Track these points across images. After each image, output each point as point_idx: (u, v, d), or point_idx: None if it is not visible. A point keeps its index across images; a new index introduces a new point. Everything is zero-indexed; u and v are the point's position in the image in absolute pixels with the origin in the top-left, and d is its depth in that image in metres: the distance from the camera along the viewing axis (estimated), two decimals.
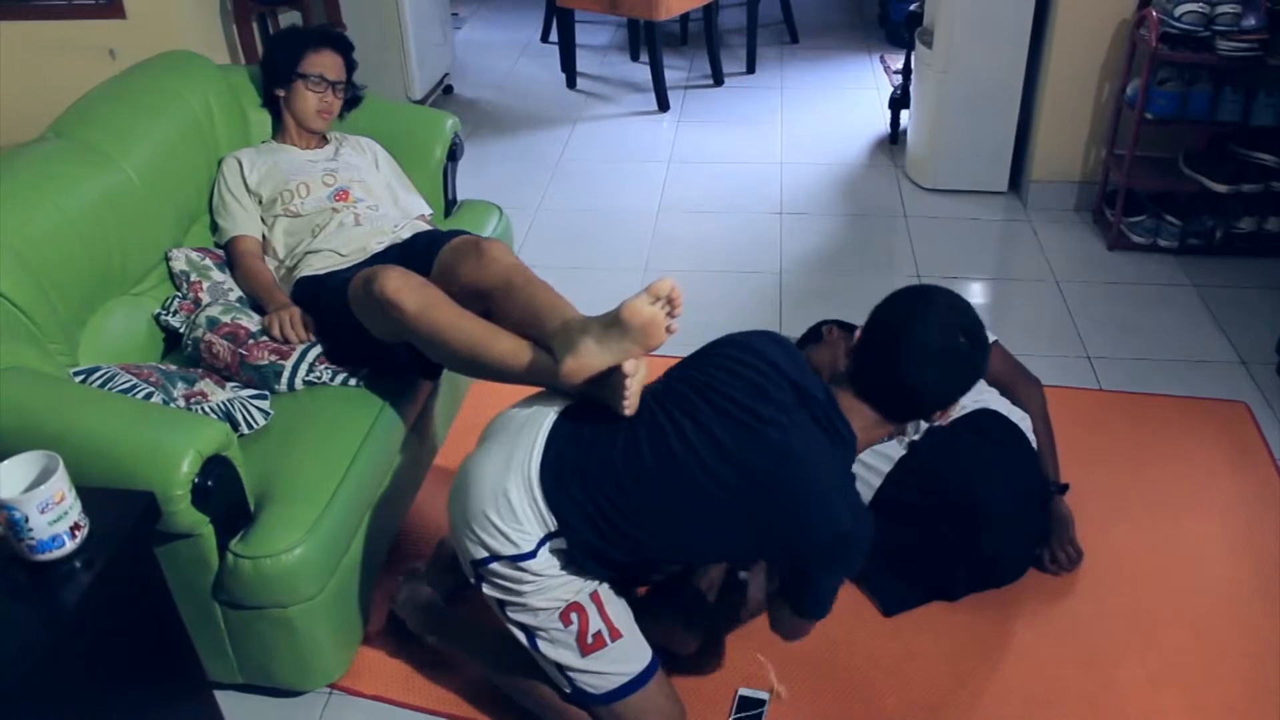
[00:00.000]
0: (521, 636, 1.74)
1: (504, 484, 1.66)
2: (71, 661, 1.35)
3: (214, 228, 2.44)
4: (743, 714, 1.90)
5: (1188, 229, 3.35)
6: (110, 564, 1.39)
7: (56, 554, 1.35)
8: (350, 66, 2.56)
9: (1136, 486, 2.44)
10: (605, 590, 1.74)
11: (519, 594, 1.69)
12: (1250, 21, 3.00)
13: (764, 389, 1.64)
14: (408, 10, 4.14)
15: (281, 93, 2.51)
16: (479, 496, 1.67)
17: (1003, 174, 3.78)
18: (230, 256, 2.37)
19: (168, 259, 2.30)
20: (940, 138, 3.75)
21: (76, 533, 1.37)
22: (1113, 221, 3.42)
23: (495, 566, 1.67)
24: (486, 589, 1.72)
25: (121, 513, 1.47)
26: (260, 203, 2.41)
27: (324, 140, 2.57)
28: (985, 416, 2.16)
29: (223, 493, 1.68)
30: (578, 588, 1.70)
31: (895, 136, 4.29)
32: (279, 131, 2.57)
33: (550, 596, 1.69)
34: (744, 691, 1.93)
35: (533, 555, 1.65)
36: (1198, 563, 2.23)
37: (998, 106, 3.64)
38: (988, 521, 2.04)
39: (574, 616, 1.70)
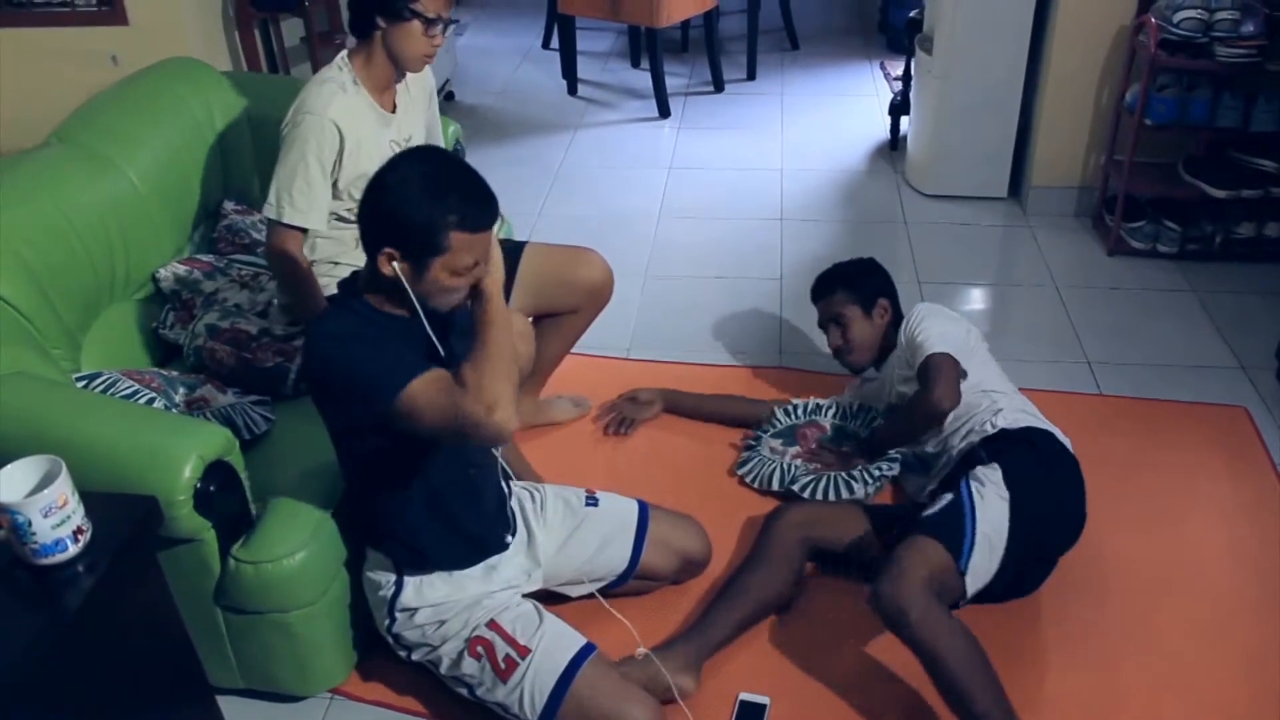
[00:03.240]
0: (465, 693, 1.82)
1: (364, 574, 1.87)
2: (73, 665, 1.35)
3: (266, 192, 2.05)
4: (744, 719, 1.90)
5: (1187, 234, 3.36)
6: (112, 568, 1.39)
7: (59, 558, 1.36)
8: None
9: (1137, 491, 2.44)
10: (505, 614, 1.81)
11: (431, 642, 1.81)
12: (1249, 28, 3.00)
13: None
14: None
15: (384, 24, 1.98)
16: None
17: (1003, 180, 3.79)
18: (279, 243, 2.02)
19: (156, 280, 2.24)
20: (940, 143, 3.76)
21: (79, 537, 1.38)
22: (1112, 227, 3.42)
23: (396, 628, 1.83)
24: (415, 656, 1.85)
25: (124, 517, 1.48)
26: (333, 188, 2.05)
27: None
28: (1037, 436, 2.10)
29: (225, 498, 1.69)
30: (470, 613, 1.79)
31: (895, 142, 4.30)
32: (359, 67, 2.05)
33: (456, 635, 1.79)
34: (744, 696, 1.93)
35: (398, 589, 1.80)
36: (1198, 567, 2.23)
37: (997, 112, 3.64)
38: (1033, 546, 2.00)
39: (480, 649, 1.78)
